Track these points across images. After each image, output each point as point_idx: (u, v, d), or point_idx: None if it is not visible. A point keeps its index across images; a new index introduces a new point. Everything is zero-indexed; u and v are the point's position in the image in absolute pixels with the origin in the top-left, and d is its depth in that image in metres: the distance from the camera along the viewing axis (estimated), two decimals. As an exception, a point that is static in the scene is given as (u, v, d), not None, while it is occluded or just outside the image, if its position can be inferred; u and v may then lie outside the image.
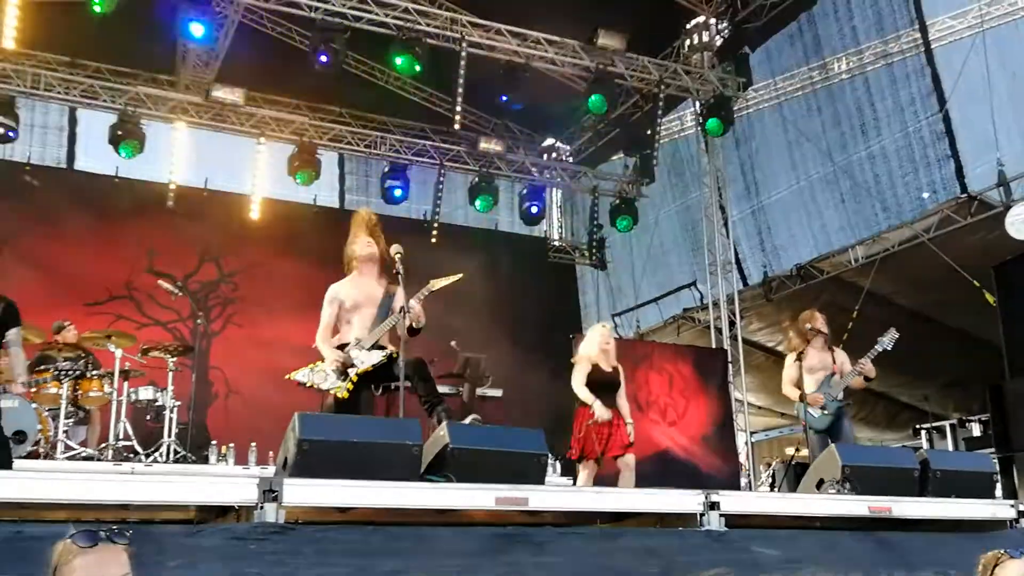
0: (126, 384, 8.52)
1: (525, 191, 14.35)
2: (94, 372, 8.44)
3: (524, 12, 11.33)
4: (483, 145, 13.46)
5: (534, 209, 14.41)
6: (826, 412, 7.13)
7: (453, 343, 9.71)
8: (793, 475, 9.25)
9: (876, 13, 12.12)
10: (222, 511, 3.61)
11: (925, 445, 11.80)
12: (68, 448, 7.78)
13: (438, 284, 5.65)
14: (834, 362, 7.28)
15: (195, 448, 9.00)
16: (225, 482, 3.61)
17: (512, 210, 15.47)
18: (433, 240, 13.93)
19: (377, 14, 10.60)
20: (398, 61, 10.69)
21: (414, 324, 5.51)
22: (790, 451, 12.67)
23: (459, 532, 3.86)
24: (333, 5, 10.40)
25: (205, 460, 8.81)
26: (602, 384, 6.94)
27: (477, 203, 13.67)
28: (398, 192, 13.44)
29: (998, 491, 7.27)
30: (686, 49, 12.71)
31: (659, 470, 10.21)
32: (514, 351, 13.10)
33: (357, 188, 15.33)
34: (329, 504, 3.75)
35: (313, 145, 12.86)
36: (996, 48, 10.58)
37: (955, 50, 11.39)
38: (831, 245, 12.67)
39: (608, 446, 6.84)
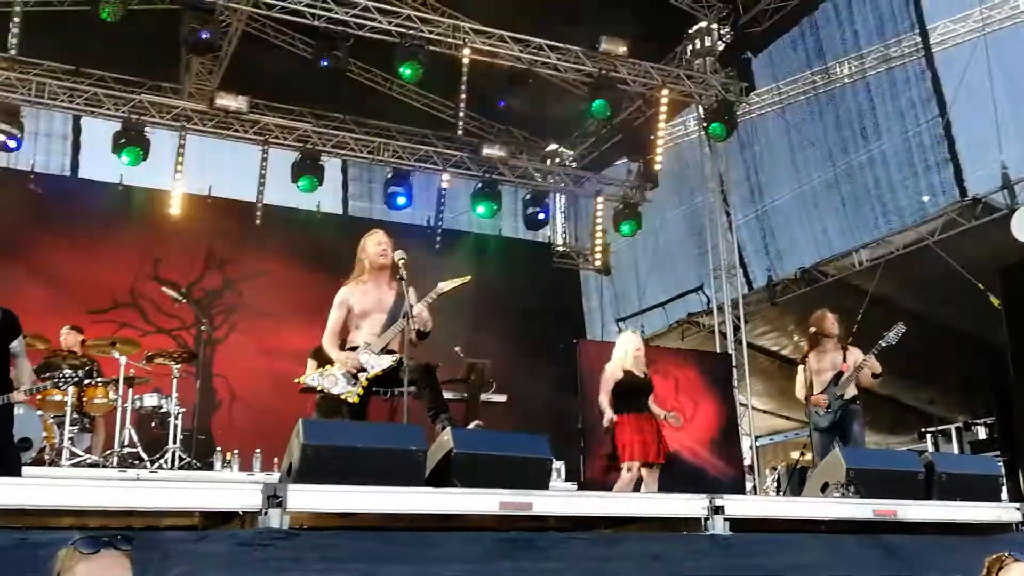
0: (131, 391, 8.53)
1: (528, 196, 14.35)
2: (98, 379, 8.46)
3: (526, 19, 11.35)
4: (486, 151, 13.47)
5: (540, 216, 14.39)
6: (830, 411, 7.13)
7: (457, 349, 9.71)
8: (798, 479, 9.24)
9: (877, 17, 12.15)
10: (226, 517, 3.61)
11: (931, 448, 11.79)
12: (73, 455, 7.79)
13: (446, 287, 5.66)
14: (844, 361, 7.27)
15: (200, 455, 9.01)
16: (229, 488, 3.62)
17: (515, 216, 15.47)
18: (437, 246, 13.94)
19: (380, 22, 10.63)
20: (404, 71, 10.73)
21: (422, 328, 5.52)
22: (795, 455, 12.66)
23: (463, 537, 3.85)
24: (336, 13, 10.43)
25: (210, 467, 8.83)
26: (636, 389, 7.06)
27: (480, 209, 13.68)
28: (401, 200, 13.44)
29: (1004, 494, 7.26)
30: (688, 54, 12.72)
31: (667, 474, 10.20)
32: (518, 357, 13.10)
33: (361, 195, 15.35)
34: (333, 510, 3.74)
35: (316, 152, 12.89)
36: (995, 51, 10.59)
37: (955, 54, 11.41)
38: (832, 249, 12.68)
39: (655, 451, 6.99)
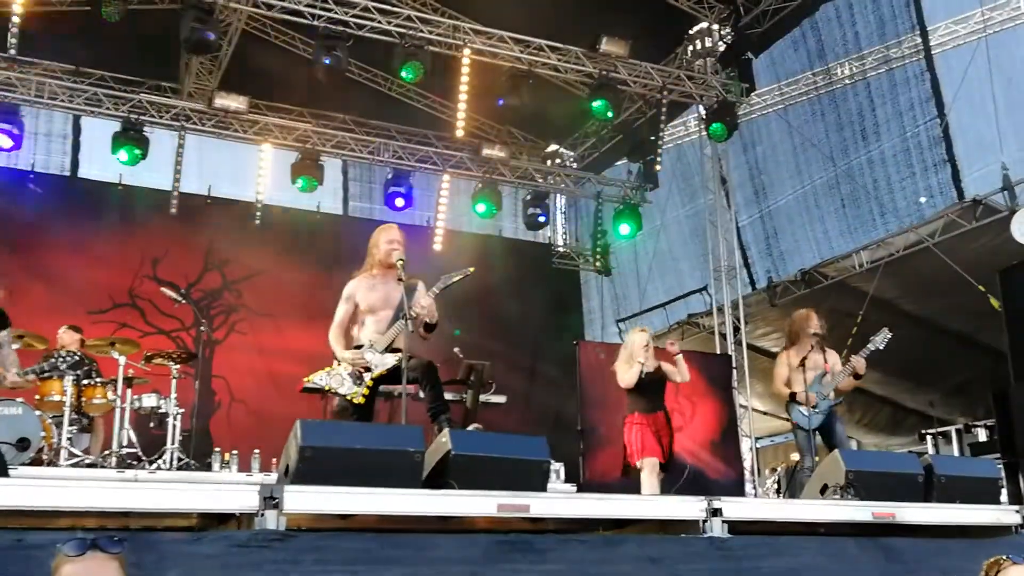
0: (130, 391, 8.53)
1: (529, 197, 14.34)
2: (97, 379, 8.46)
3: (526, 19, 11.35)
4: (486, 151, 13.46)
5: (541, 217, 14.37)
6: (817, 411, 7.15)
7: (456, 350, 9.69)
8: (798, 481, 9.22)
9: (878, 18, 12.14)
10: (223, 518, 3.60)
11: (931, 450, 11.76)
12: (72, 455, 7.78)
13: (452, 278, 5.66)
14: (825, 362, 7.29)
15: (198, 455, 9.00)
16: (226, 489, 3.60)
17: (515, 216, 15.47)
18: (437, 247, 13.94)
19: (380, 22, 10.62)
20: (405, 74, 10.73)
21: (429, 320, 5.53)
22: (795, 457, 12.64)
23: (461, 539, 3.85)
24: (336, 13, 10.42)
25: (208, 467, 8.81)
26: (652, 382, 7.05)
27: (480, 209, 13.67)
28: (399, 201, 13.44)
29: (1003, 496, 7.25)
30: (689, 55, 12.72)
31: (667, 475, 10.20)
32: (518, 358, 13.10)
33: (360, 195, 15.34)
34: (330, 511, 3.74)
35: (316, 152, 12.88)
36: (995, 53, 10.59)
37: (954, 55, 11.41)
38: (834, 250, 12.68)
39: (667, 449, 6.98)
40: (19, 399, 7.46)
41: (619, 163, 15.21)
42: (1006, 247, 9.61)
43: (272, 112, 13.04)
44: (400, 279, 5.57)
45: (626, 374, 7.09)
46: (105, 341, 8.89)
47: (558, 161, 15.53)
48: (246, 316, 12.85)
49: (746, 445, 12.27)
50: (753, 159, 14.34)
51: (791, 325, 7.66)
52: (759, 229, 14.42)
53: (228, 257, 12.93)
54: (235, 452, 8.94)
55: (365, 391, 5.54)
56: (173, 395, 8.56)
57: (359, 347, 5.65)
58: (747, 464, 12.11)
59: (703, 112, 12.84)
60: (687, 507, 4.40)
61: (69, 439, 7.82)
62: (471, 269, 5.70)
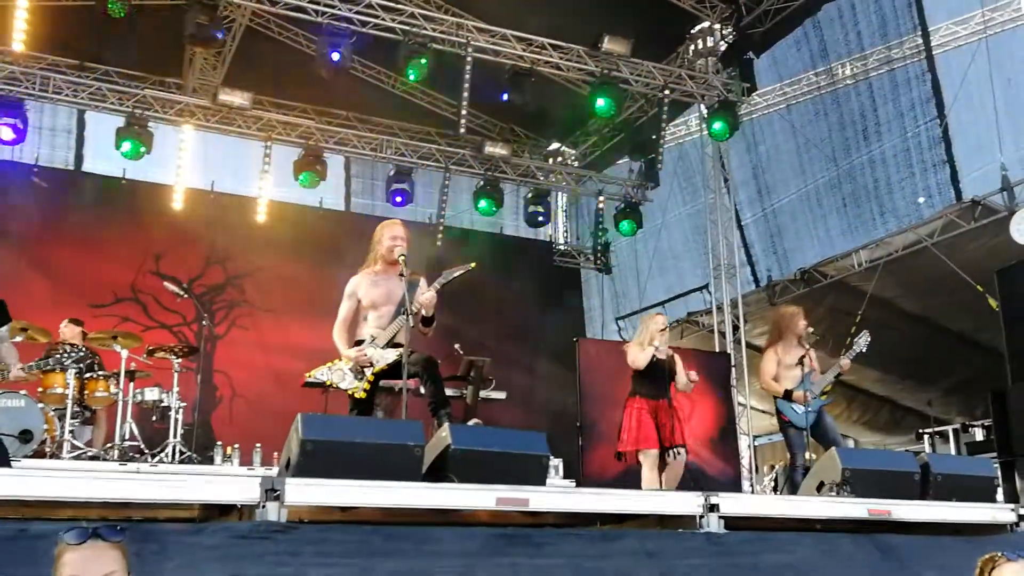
0: (132, 385, 8.57)
1: (530, 195, 14.36)
2: (100, 373, 8.50)
3: (529, 17, 11.38)
4: (488, 149, 13.48)
5: (542, 215, 14.39)
6: (810, 409, 7.19)
7: (457, 346, 9.73)
8: (792, 480, 9.25)
9: (880, 19, 12.14)
10: (225, 510, 3.63)
11: (928, 449, 11.80)
12: (74, 448, 7.83)
13: (454, 273, 5.69)
14: (811, 360, 7.33)
15: (200, 449, 9.05)
16: (227, 481, 3.63)
17: (517, 214, 15.48)
18: (438, 243, 13.96)
19: (383, 19, 10.65)
20: (410, 74, 10.74)
21: (425, 313, 5.56)
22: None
23: (460, 532, 3.88)
24: (339, 10, 10.45)
25: (210, 461, 8.86)
26: (660, 369, 7.02)
27: (481, 205, 13.70)
28: (400, 199, 13.47)
29: (999, 496, 7.28)
30: (690, 54, 12.73)
31: (675, 461, 10.25)
32: (518, 354, 13.13)
33: (363, 191, 15.37)
34: (331, 503, 3.78)
35: (319, 148, 12.91)
36: (995, 53, 10.60)
37: (954, 56, 11.42)
38: (835, 249, 12.70)
39: (668, 435, 6.92)
40: (22, 391, 7.51)
41: (620, 161, 15.23)
42: (1004, 247, 9.65)
43: (276, 108, 13.07)
44: (402, 275, 5.61)
45: (639, 354, 7.04)
46: (107, 334, 8.92)
47: (560, 159, 15.54)
48: (248, 311, 12.89)
49: (744, 443, 12.30)
50: (757, 158, 14.35)
51: (778, 321, 7.63)
52: (763, 227, 14.44)
53: (230, 252, 12.96)
54: (236, 446, 8.98)
55: (366, 386, 5.58)
56: (175, 389, 8.61)
57: (360, 342, 5.69)
58: (745, 462, 12.14)
59: (704, 111, 12.86)
60: (684, 502, 4.44)
61: (71, 432, 7.87)
62: (472, 264, 5.74)
